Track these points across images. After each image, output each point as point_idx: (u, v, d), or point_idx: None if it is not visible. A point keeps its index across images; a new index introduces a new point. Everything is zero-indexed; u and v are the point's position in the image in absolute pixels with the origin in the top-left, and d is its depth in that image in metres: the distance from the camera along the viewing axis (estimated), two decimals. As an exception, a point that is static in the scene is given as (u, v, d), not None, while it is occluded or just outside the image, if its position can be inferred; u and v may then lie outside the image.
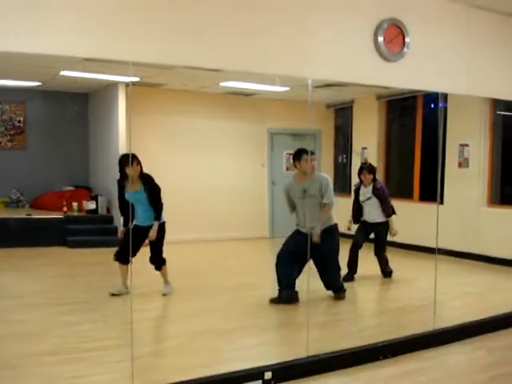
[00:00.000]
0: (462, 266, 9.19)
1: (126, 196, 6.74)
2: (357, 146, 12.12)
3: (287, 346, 5.24)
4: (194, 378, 4.20)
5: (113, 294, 6.86)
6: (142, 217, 6.87)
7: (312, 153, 6.68)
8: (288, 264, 6.67)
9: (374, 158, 11.63)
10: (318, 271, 6.83)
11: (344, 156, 13.00)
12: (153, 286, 7.33)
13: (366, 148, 11.85)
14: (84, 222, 10.79)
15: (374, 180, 8.21)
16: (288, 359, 4.65)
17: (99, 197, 10.82)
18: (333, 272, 6.98)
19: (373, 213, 8.21)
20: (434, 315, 5.64)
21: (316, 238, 6.41)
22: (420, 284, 7.75)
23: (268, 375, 4.39)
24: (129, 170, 6.61)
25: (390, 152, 11.83)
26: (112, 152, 10.65)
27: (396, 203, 11.17)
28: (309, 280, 5.49)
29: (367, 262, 8.35)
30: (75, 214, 10.91)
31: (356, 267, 8.10)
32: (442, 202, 9.71)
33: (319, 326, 5.71)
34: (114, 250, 7.04)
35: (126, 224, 6.89)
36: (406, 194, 11.15)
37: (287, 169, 12.34)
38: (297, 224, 6.84)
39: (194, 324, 5.87)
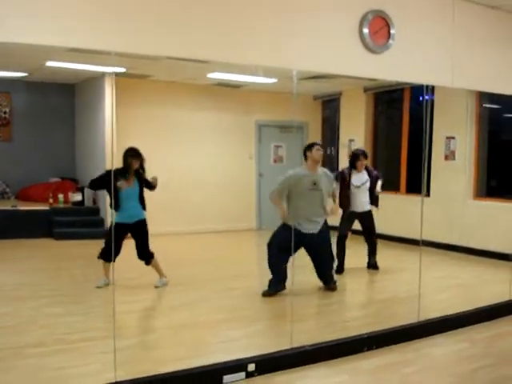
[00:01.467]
0: (447, 258, 9.23)
1: (120, 191, 6.57)
2: (344, 138, 12.15)
3: (271, 337, 5.25)
4: (177, 369, 4.20)
5: (98, 287, 6.84)
6: (130, 213, 6.76)
7: (320, 145, 6.72)
8: (282, 257, 6.58)
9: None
10: (315, 265, 6.90)
11: (332, 148, 13.01)
12: (141, 279, 7.32)
13: (353, 140, 11.87)
14: (70, 213, 10.75)
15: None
16: (271, 351, 4.65)
17: (85, 188, 10.76)
18: (329, 265, 7.04)
19: (363, 201, 8.16)
20: (419, 307, 5.65)
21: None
22: (406, 276, 7.77)
23: (251, 367, 4.39)
24: (134, 164, 6.67)
25: (378, 144, 11.87)
26: (98, 143, 10.61)
27: (383, 195, 11.22)
28: (293, 271, 5.50)
29: (352, 253, 8.36)
30: (61, 205, 10.87)
31: (344, 259, 8.08)
32: (428, 195, 9.77)
33: (304, 317, 5.72)
34: (100, 241, 6.96)
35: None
36: (393, 187, 11.17)
37: (275, 161, 12.35)
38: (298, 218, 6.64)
39: (179, 316, 5.86)
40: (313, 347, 4.81)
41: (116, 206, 6.56)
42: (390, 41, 5.27)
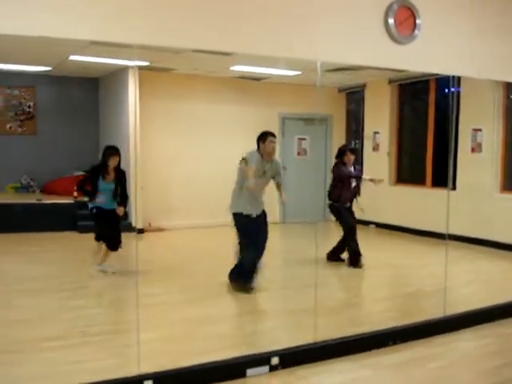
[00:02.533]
0: (473, 252, 9.11)
1: (100, 185, 7.21)
2: (368, 130, 12.05)
3: (295, 331, 5.21)
4: (200, 363, 4.18)
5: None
6: (107, 202, 7.26)
7: (273, 135, 6.69)
8: (255, 252, 6.64)
9: (386, 142, 11.58)
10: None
11: (356, 141, 12.92)
12: (160, 273, 7.34)
13: (377, 132, 11.77)
14: (94, 207, 10.78)
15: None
16: (295, 344, 4.61)
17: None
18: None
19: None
20: (445, 301, 5.58)
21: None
22: (431, 270, 7.66)
23: (275, 360, 4.37)
24: (111, 162, 7.18)
25: (402, 137, 11.75)
26: (122, 137, 10.64)
27: (408, 189, 11.16)
28: (316, 267, 5.45)
29: (376, 247, 8.29)
30: (85, 199, 10.89)
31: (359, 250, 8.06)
32: (454, 188, 9.64)
33: (327, 311, 5.68)
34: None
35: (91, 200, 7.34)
36: (419, 180, 11.07)
37: (299, 154, 12.27)
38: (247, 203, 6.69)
39: (202, 309, 5.86)
40: (336, 341, 4.77)
41: (93, 196, 7.27)
42: (416, 31, 5.18)
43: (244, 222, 6.59)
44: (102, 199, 7.23)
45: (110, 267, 7.35)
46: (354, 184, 8.10)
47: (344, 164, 8.07)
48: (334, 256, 8.29)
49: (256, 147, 6.68)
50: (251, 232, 6.59)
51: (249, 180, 6.43)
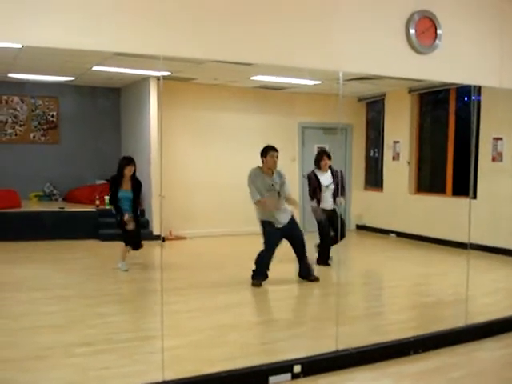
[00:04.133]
0: (494, 261, 9.06)
1: (119, 193, 7.80)
2: (389, 139, 12.05)
3: (316, 339, 5.22)
4: (223, 370, 4.22)
5: (116, 268, 7.87)
6: (127, 209, 7.84)
7: (275, 150, 7.20)
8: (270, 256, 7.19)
9: (407, 151, 11.57)
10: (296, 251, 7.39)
11: (375, 150, 12.92)
12: (183, 280, 7.40)
13: (397, 142, 11.77)
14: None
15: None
16: (317, 353, 4.63)
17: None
18: (305, 252, 7.43)
19: (330, 199, 8.35)
20: (466, 310, 5.57)
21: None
22: (452, 279, 7.67)
23: (297, 368, 4.39)
24: (126, 171, 7.73)
25: (423, 146, 11.74)
26: (144, 146, 10.75)
27: (428, 198, 11.14)
28: (338, 273, 5.47)
29: (396, 257, 8.28)
30: (107, 207, 10.97)
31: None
32: (475, 197, 9.60)
33: (349, 320, 5.68)
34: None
35: (120, 212, 7.84)
36: (439, 189, 11.06)
37: (318, 163, 12.27)
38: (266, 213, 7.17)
39: (224, 317, 5.90)
40: (358, 350, 4.77)
41: (115, 204, 7.86)
42: (437, 41, 5.20)
43: (268, 229, 7.14)
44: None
45: (123, 265, 7.89)
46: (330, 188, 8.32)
47: (319, 169, 8.31)
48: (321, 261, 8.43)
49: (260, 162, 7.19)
50: (272, 238, 7.13)
51: (252, 198, 7.10)
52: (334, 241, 8.01)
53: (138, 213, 8.25)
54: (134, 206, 7.91)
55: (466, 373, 4.66)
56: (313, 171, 8.39)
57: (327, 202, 8.31)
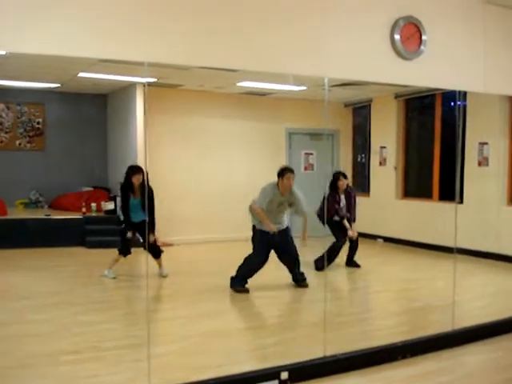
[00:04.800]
0: (481, 265, 9.10)
1: (130, 201, 7.79)
2: (375, 145, 12.09)
3: (304, 345, 5.21)
4: (210, 377, 4.20)
5: (103, 276, 7.88)
6: (135, 215, 7.75)
7: (292, 171, 7.37)
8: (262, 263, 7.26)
9: (393, 157, 11.61)
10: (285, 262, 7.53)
11: (363, 155, 12.96)
12: (171, 287, 7.39)
13: (384, 147, 11.81)
14: (102, 222, 10.82)
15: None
16: (305, 359, 4.62)
17: (118, 197, 10.85)
18: (298, 263, 7.57)
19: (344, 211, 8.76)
20: (453, 315, 5.58)
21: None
22: (439, 284, 7.68)
23: (284, 375, 4.37)
24: (134, 180, 7.71)
25: (409, 151, 11.78)
26: (130, 152, 10.71)
27: (415, 203, 11.19)
28: (325, 281, 5.47)
29: (384, 262, 8.30)
30: (94, 214, 10.96)
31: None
32: (461, 202, 9.66)
33: (337, 325, 5.69)
34: (133, 249, 7.78)
35: (128, 223, 7.81)
36: (426, 194, 11.10)
37: (305, 169, 12.32)
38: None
39: (211, 324, 5.88)
40: (345, 356, 4.77)
41: (126, 213, 7.80)
42: (422, 47, 5.23)
43: (259, 236, 7.25)
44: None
45: (110, 272, 7.88)
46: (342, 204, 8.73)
47: (337, 189, 8.67)
48: (350, 262, 8.81)
49: (276, 179, 7.33)
50: (262, 246, 7.23)
51: (264, 224, 7.22)
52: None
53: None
54: (150, 212, 7.52)
55: (453, 377, 4.68)
56: (331, 193, 8.68)
57: (341, 215, 8.68)
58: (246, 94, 11.55)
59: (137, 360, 4.55)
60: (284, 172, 7.27)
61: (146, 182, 7.62)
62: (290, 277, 7.52)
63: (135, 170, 7.78)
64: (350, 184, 9.00)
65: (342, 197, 8.72)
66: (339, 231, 8.60)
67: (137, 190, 7.75)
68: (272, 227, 7.14)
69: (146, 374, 4.05)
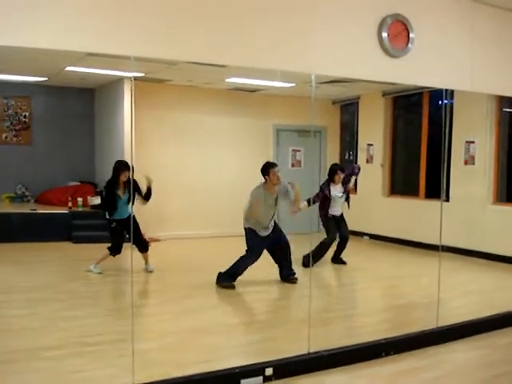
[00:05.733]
0: (466, 263, 9.15)
1: (117, 199, 7.72)
2: (363, 142, 12.12)
3: (288, 342, 5.21)
4: (194, 373, 4.20)
5: (89, 271, 7.87)
6: (121, 211, 7.72)
7: (275, 165, 7.26)
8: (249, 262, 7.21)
9: (380, 154, 11.64)
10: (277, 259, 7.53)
11: (351, 152, 12.99)
12: (157, 283, 7.37)
13: (371, 144, 11.84)
14: (89, 217, 10.76)
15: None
16: (289, 355, 4.63)
17: (104, 192, 10.80)
18: (290, 259, 7.56)
19: (340, 206, 8.84)
20: (438, 313, 5.60)
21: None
22: (424, 281, 7.71)
23: (269, 371, 4.38)
24: (122, 177, 7.64)
25: (396, 149, 11.82)
26: (117, 147, 10.66)
27: (402, 200, 11.22)
28: (310, 277, 5.48)
29: (370, 259, 8.32)
30: (80, 209, 10.91)
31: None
32: (447, 200, 9.70)
33: (321, 322, 5.70)
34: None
35: (111, 216, 7.78)
36: (412, 191, 11.13)
37: (293, 165, 12.33)
38: (257, 225, 7.25)
39: (196, 319, 5.87)
40: (330, 352, 4.78)
41: (113, 209, 7.73)
42: (409, 45, 5.23)
43: (254, 236, 7.22)
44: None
45: (96, 267, 7.87)
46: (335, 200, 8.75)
47: (333, 182, 8.68)
48: (336, 259, 8.86)
49: (262, 180, 7.26)
50: (258, 245, 7.20)
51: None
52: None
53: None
54: (131, 206, 7.55)
55: (437, 374, 4.70)
56: (327, 184, 8.75)
57: (336, 210, 8.77)
58: (234, 90, 11.54)
59: (121, 355, 4.54)
60: (268, 168, 7.17)
61: (132, 178, 7.57)
62: (278, 273, 7.51)
63: (124, 166, 7.66)
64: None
65: (339, 187, 8.74)
66: (331, 227, 8.64)
67: (123, 186, 7.70)
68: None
69: (130, 369, 4.04)
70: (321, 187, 8.72)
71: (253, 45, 4.50)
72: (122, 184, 7.70)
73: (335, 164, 9.23)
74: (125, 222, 7.64)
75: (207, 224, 11.17)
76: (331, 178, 8.70)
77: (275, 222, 7.44)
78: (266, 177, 7.16)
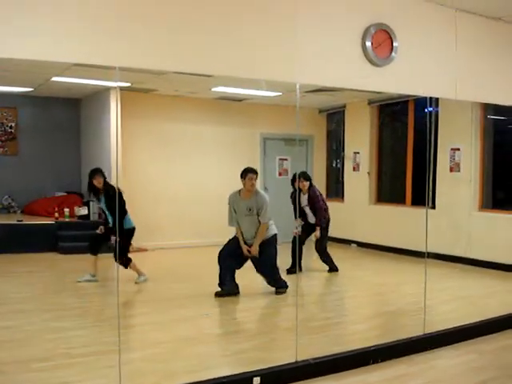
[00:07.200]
0: (453, 270, 9.20)
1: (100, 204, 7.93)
2: (349, 150, 12.17)
3: (276, 351, 5.22)
4: (183, 383, 4.18)
5: (78, 282, 7.84)
6: (108, 218, 7.88)
7: (253, 172, 7.21)
8: (229, 260, 7.21)
9: (367, 162, 11.69)
10: (260, 273, 7.45)
11: (337, 161, 13.03)
12: (145, 293, 7.34)
13: (358, 153, 11.89)
14: (75, 227, 10.72)
15: (310, 187, 8.76)
16: (277, 364, 4.63)
17: (91, 202, 10.77)
18: (273, 273, 7.40)
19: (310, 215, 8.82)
20: (425, 319, 5.63)
21: (255, 253, 7.22)
22: (411, 288, 7.73)
23: (256, 380, 4.38)
24: (96, 182, 7.73)
25: (382, 156, 11.87)
26: (104, 157, 10.64)
27: (388, 208, 11.27)
28: (297, 284, 5.48)
29: (357, 266, 8.33)
30: (67, 219, 10.87)
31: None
32: (433, 207, 9.76)
33: (309, 330, 5.70)
34: (106, 256, 7.65)
35: (105, 224, 7.95)
36: (399, 199, 11.18)
37: (280, 174, 12.34)
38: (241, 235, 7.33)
39: (184, 329, 5.86)
40: (317, 360, 4.78)
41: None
42: (393, 54, 5.28)
43: (232, 240, 7.32)
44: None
45: (88, 276, 7.91)
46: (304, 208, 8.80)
47: (299, 190, 8.61)
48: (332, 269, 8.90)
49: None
50: (231, 246, 7.29)
51: (228, 222, 7.39)
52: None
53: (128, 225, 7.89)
54: (120, 214, 7.36)
55: (424, 381, 4.71)
56: (293, 193, 8.70)
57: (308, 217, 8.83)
58: (220, 99, 11.56)
59: (108, 366, 4.52)
60: (246, 172, 7.18)
61: (108, 185, 7.69)
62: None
63: (93, 171, 7.78)
64: (324, 189, 9.01)
65: (305, 197, 8.72)
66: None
67: (101, 193, 7.78)
68: (245, 251, 7.21)
69: (117, 380, 4.02)
70: (290, 196, 8.74)
71: (238, 54, 4.53)
72: (101, 191, 7.76)
73: (301, 172, 9.28)
74: (108, 230, 7.72)
75: (194, 234, 11.16)
76: (293, 185, 8.68)
77: (269, 243, 7.31)
78: (243, 180, 7.18)
